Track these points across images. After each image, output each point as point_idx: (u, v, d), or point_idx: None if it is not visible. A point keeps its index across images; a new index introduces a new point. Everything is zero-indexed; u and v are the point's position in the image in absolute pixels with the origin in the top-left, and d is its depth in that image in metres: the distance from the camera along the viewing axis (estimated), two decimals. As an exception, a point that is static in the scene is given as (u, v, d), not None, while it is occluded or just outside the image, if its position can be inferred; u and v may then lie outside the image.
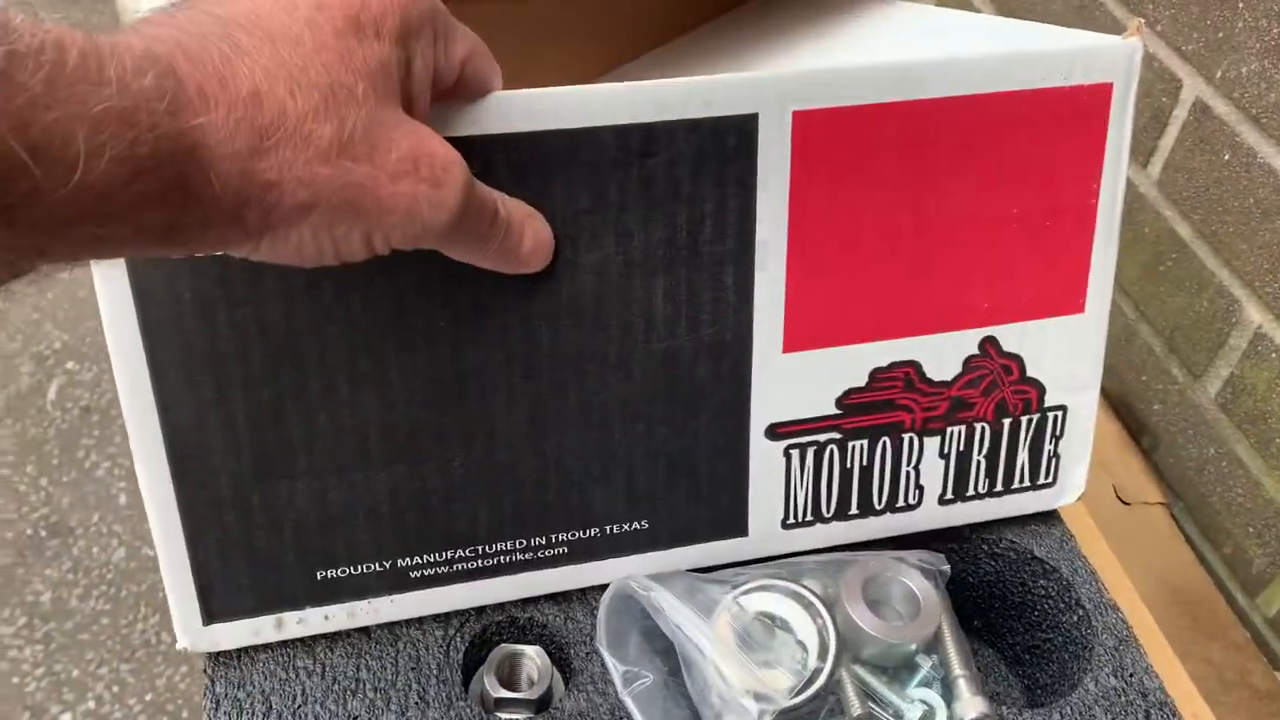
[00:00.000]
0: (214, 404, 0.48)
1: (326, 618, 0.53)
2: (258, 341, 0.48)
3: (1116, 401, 1.00)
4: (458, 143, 0.40)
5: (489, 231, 0.43)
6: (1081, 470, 0.61)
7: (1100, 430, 0.94)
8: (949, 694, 0.54)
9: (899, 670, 0.54)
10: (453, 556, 0.54)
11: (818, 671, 0.52)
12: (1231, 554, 0.90)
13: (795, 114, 0.49)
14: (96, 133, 0.28)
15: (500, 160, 0.46)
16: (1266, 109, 0.79)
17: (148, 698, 1.54)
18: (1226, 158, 0.84)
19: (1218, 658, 0.86)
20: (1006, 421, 0.59)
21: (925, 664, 0.54)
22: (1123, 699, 0.56)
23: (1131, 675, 0.57)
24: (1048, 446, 0.60)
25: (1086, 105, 0.53)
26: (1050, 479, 0.61)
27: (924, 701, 0.53)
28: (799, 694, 0.52)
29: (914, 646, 0.54)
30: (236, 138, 0.32)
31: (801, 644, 0.53)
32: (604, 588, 0.55)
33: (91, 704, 1.52)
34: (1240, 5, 0.80)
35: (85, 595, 1.63)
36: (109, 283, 0.46)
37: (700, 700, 0.52)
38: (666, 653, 0.54)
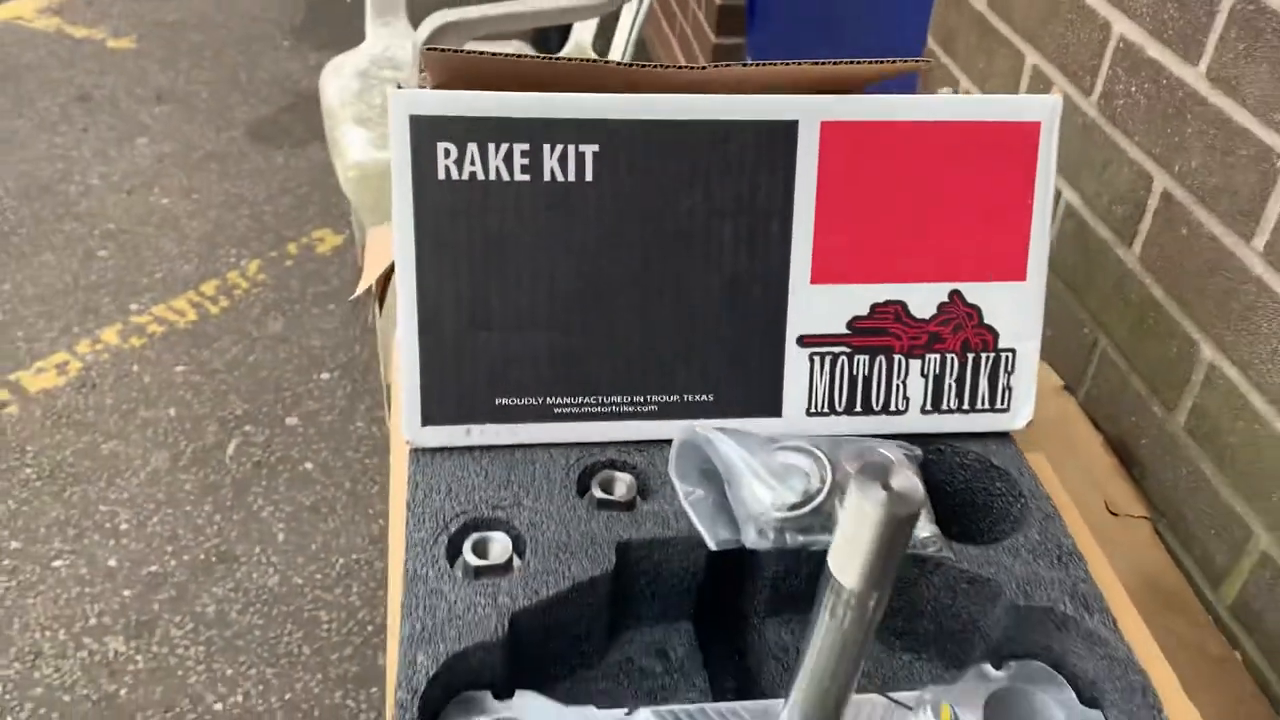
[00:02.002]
0: (448, 279, 0.78)
1: (498, 433, 0.81)
2: (480, 243, 0.77)
3: (1114, 440, 1.22)
4: (607, 124, 0.70)
5: None
6: (1029, 402, 0.86)
7: (1097, 461, 1.18)
8: (913, 520, 0.77)
9: (880, 504, 0.78)
10: (582, 401, 0.81)
11: (816, 493, 0.76)
12: (1200, 555, 1.10)
13: (823, 123, 0.78)
14: None
15: (640, 136, 0.76)
16: (1210, 191, 1.05)
17: (286, 697, 1.79)
18: (1184, 232, 1.09)
19: (1180, 630, 1.05)
20: (970, 356, 0.84)
21: (898, 500, 0.78)
22: (1042, 547, 0.78)
23: (1051, 535, 0.79)
24: (1002, 379, 0.85)
25: (1025, 136, 0.81)
26: (1005, 405, 0.85)
27: (895, 522, 0.77)
28: (801, 508, 0.76)
29: (890, 488, 0.78)
30: None
31: (808, 479, 0.78)
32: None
33: (239, 698, 1.78)
34: (1189, 116, 1.07)
35: (244, 611, 1.91)
36: (402, 206, 0.76)
37: (737, 508, 0.77)
38: (715, 480, 0.79)
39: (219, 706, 1.76)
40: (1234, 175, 1.01)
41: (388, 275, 1.41)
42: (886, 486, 0.49)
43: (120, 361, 2.38)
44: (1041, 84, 1.32)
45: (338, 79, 2.20)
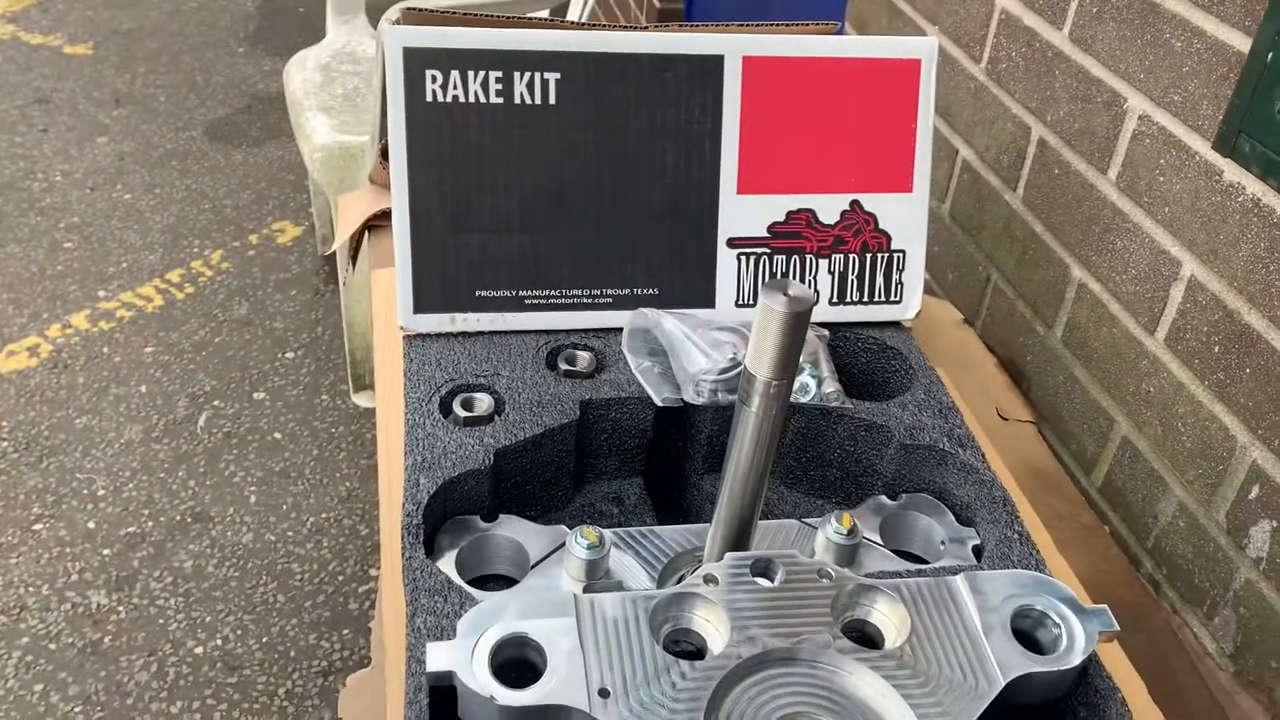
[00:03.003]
0: (435, 186, 0.93)
1: (478, 321, 0.96)
2: (461, 157, 0.93)
3: (1005, 360, 1.41)
4: (568, 55, 0.86)
5: None
6: (917, 296, 1.03)
7: (991, 379, 1.36)
8: (819, 383, 0.94)
9: (796, 370, 0.95)
10: (548, 294, 0.97)
11: (742, 360, 0.93)
12: (1075, 449, 1.29)
13: (745, 57, 0.96)
14: None
15: (593, 66, 0.93)
16: (1074, 135, 1.24)
17: (264, 640, 1.91)
18: (1056, 172, 1.28)
19: (1057, 505, 1.23)
20: (869, 256, 1.02)
21: (807, 368, 0.95)
22: (926, 403, 0.96)
23: (933, 394, 0.97)
24: (895, 276, 1.03)
25: (908, 70, 0.99)
26: (898, 298, 1.03)
27: (805, 384, 0.94)
28: (729, 371, 0.93)
29: (802, 359, 0.95)
30: None
31: (736, 350, 0.95)
32: (631, 321, 0.97)
33: (219, 641, 1.90)
34: (1057, 72, 1.26)
35: (220, 565, 2.03)
36: (396, 125, 0.92)
37: (678, 372, 0.93)
38: (661, 355, 0.96)
39: (199, 650, 1.88)
40: (1092, 119, 1.20)
41: (360, 234, 1.56)
42: (786, 294, 0.66)
43: (90, 344, 2.48)
44: (941, 56, 1.51)
45: (301, 72, 2.34)
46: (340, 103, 2.25)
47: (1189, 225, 1.07)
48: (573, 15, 2.20)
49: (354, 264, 1.67)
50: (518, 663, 0.69)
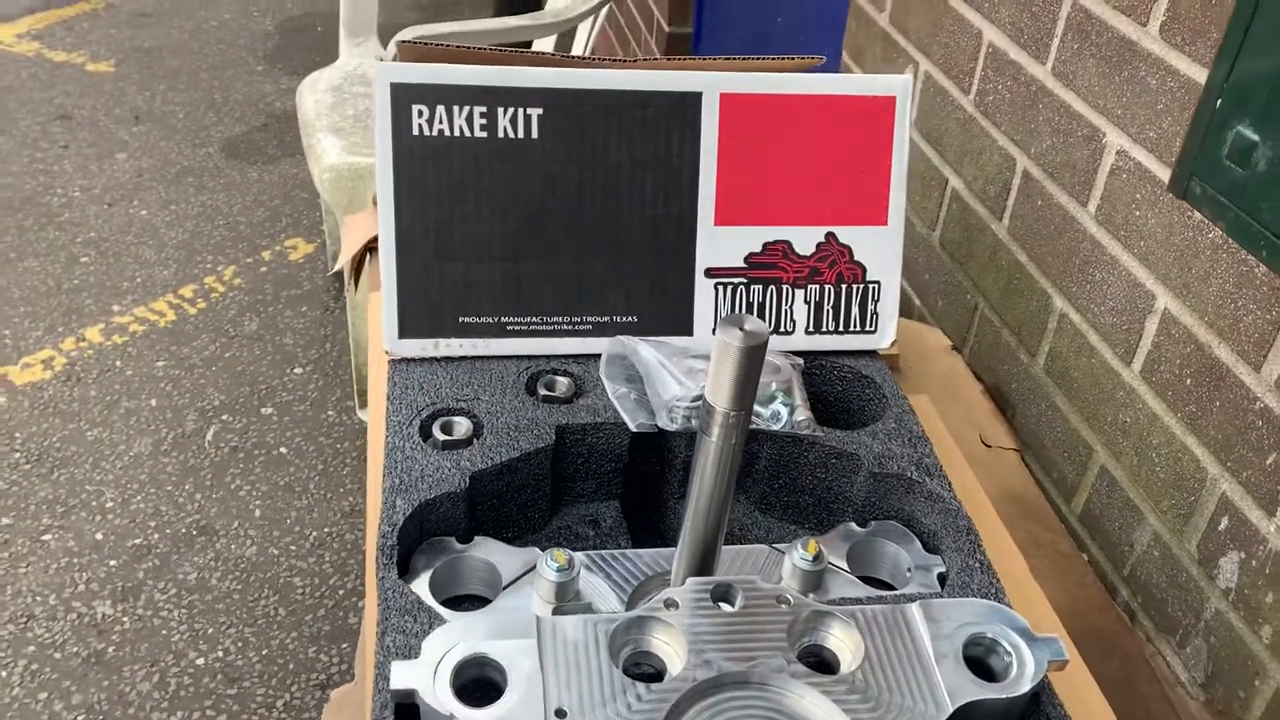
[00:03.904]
0: (420, 215, 0.96)
1: (460, 346, 0.99)
2: (446, 188, 0.96)
3: (991, 387, 1.42)
4: (550, 92, 0.89)
5: None
6: (891, 326, 1.05)
7: (977, 406, 1.38)
8: (791, 411, 0.97)
9: (766, 399, 0.98)
10: (529, 321, 1.00)
11: (721, 387, 0.95)
12: (1057, 477, 1.30)
13: (722, 94, 0.98)
14: None
15: (575, 102, 0.95)
16: (1056, 168, 1.26)
17: (264, 652, 1.94)
18: (1039, 204, 1.30)
19: (1036, 533, 1.25)
20: (844, 287, 1.04)
21: (780, 396, 0.97)
22: (896, 432, 0.98)
23: (905, 424, 0.99)
24: (870, 307, 1.05)
25: (883, 107, 1.02)
26: (873, 328, 1.05)
27: (777, 412, 0.96)
28: (702, 399, 0.95)
29: (774, 387, 0.97)
30: None
31: (714, 378, 0.97)
32: (610, 348, 1.00)
33: (220, 653, 1.93)
34: (1040, 105, 1.28)
35: (223, 578, 2.06)
36: (383, 157, 0.95)
37: (653, 398, 0.96)
38: (638, 382, 0.98)
39: (201, 661, 1.91)
40: (1073, 152, 1.23)
41: (362, 255, 1.59)
42: (742, 329, 0.68)
43: (103, 357, 2.53)
44: (932, 87, 1.54)
45: (313, 93, 2.39)
46: (350, 124, 2.29)
47: (1163, 259, 1.09)
48: (578, 43, 2.24)
49: (356, 284, 1.70)
50: (481, 683, 0.71)
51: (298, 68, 3.77)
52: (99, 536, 2.10)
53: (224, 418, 2.41)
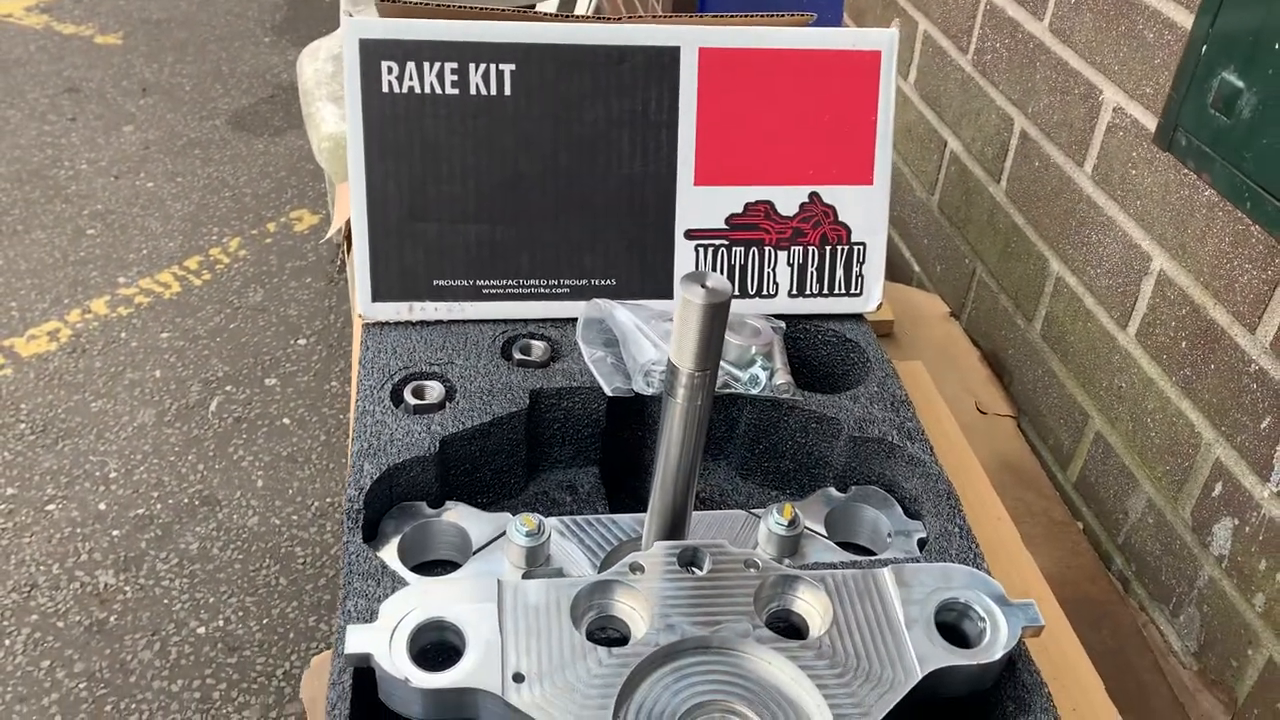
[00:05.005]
0: (392, 176, 0.95)
1: (435, 310, 0.97)
2: (418, 148, 0.94)
3: (988, 353, 1.40)
4: (523, 47, 0.87)
5: None
6: (877, 289, 1.03)
7: (973, 372, 1.36)
8: (770, 375, 0.95)
9: (745, 363, 0.95)
10: (505, 284, 0.98)
11: (699, 349, 0.93)
12: (1052, 444, 1.28)
13: (701, 49, 0.96)
14: None
15: (549, 57, 0.93)
16: (1053, 127, 1.23)
17: (264, 621, 1.94)
18: (1036, 164, 1.27)
19: (1030, 500, 1.23)
20: (828, 248, 1.02)
21: (760, 360, 0.95)
22: (878, 396, 0.96)
23: (887, 388, 0.96)
24: (855, 269, 1.02)
25: (868, 61, 0.99)
26: (858, 290, 1.03)
27: (755, 376, 0.94)
28: (688, 361, 0.93)
29: (754, 350, 0.95)
30: None
31: (693, 341, 0.95)
32: (587, 312, 0.98)
33: (221, 622, 1.93)
34: (1038, 64, 1.25)
35: (224, 548, 2.07)
36: (353, 115, 0.93)
37: (629, 361, 0.94)
38: (614, 346, 0.96)
39: (201, 630, 1.91)
40: (1070, 111, 1.19)
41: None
42: (704, 285, 0.66)
43: (109, 329, 2.53)
44: (931, 48, 1.50)
45: (314, 62, 2.37)
46: (349, 92, 2.27)
47: (1159, 219, 1.06)
48: (580, 7, 2.21)
49: (350, 252, 1.69)
50: (440, 647, 0.70)
51: (305, 39, 3.73)
52: (102, 507, 2.11)
53: (228, 388, 2.41)
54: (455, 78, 0.92)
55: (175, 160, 3.12)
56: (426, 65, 0.91)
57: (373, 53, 0.91)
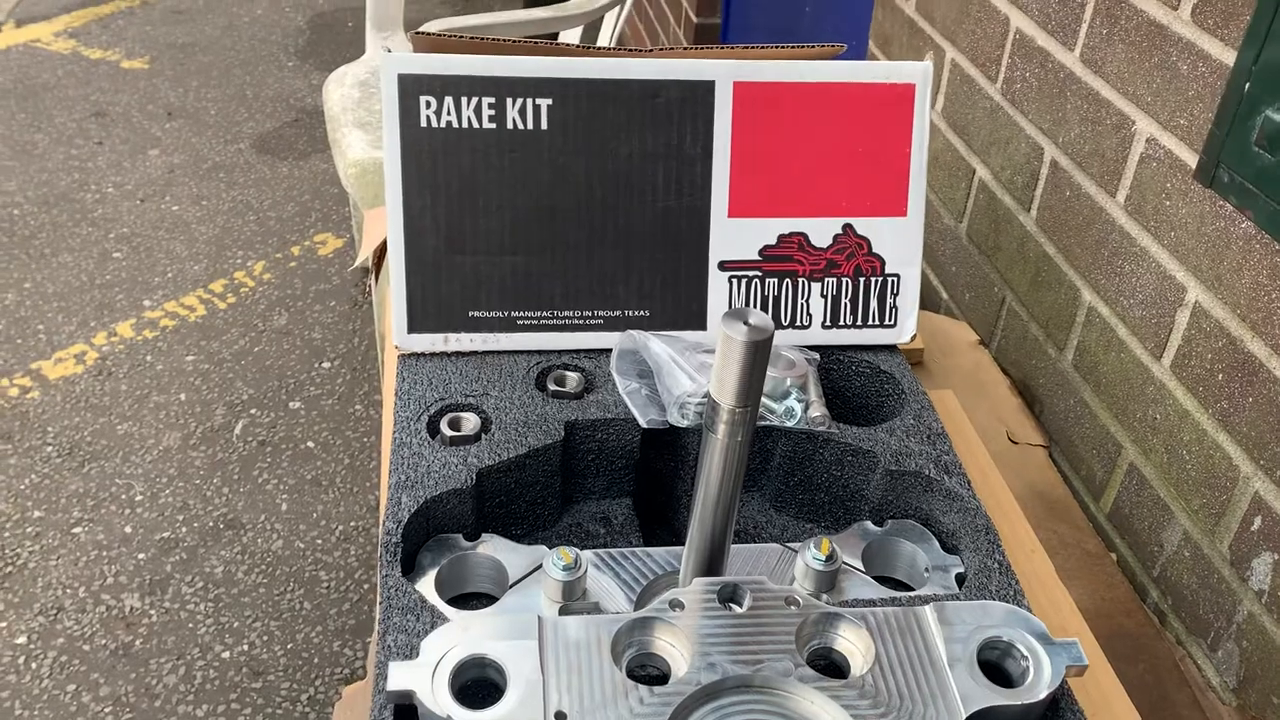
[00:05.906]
0: (429, 209, 0.95)
1: (470, 341, 0.98)
2: (455, 181, 0.95)
3: (1018, 382, 1.39)
4: (559, 81, 0.87)
5: None
6: (911, 320, 1.03)
7: (1004, 401, 1.35)
8: (805, 407, 0.94)
9: (780, 395, 0.95)
10: (540, 315, 0.98)
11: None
12: (1085, 474, 1.27)
13: (735, 83, 0.96)
14: None
15: (585, 92, 0.94)
16: (1085, 157, 1.23)
17: (289, 646, 1.94)
18: (1067, 194, 1.27)
19: (1063, 532, 1.22)
20: (862, 280, 1.02)
21: (794, 393, 0.95)
22: (915, 429, 0.95)
23: (923, 420, 0.96)
24: (889, 300, 1.02)
25: (902, 95, 0.99)
26: (893, 322, 1.03)
27: (791, 408, 0.94)
28: (722, 394, 0.93)
29: (789, 383, 0.95)
30: None
31: (728, 373, 0.95)
32: (622, 345, 0.98)
33: (245, 647, 1.93)
34: (1068, 94, 1.25)
35: (249, 571, 2.07)
36: (391, 149, 0.94)
37: (664, 394, 0.94)
38: (649, 378, 0.96)
39: (226, 655, 1.92)
40: (1101, 141, 1.19)
41: (383, 249, 1.59)
42: (746, 323, 0.66)
43: (134, 352, 2.55)
44: (959, 76, 1.50)
45: (340, 88, 2.39)
46: (376, 119, 2.29)
47: (1194, 251, 1.05)
48: (604, 36, 2.22)
49: (377, 277, 1.70)
50: (482, 684, 0.70)
51: (329, 63, 3.77)
52: (128, 530, 2.12)
53: (252, 412, 2.42)
54: (493, 112, 0.93)
55: (200, 184, 3.15)
56: (464, 100, 0.92)
57: (411, 88, 0.92)
